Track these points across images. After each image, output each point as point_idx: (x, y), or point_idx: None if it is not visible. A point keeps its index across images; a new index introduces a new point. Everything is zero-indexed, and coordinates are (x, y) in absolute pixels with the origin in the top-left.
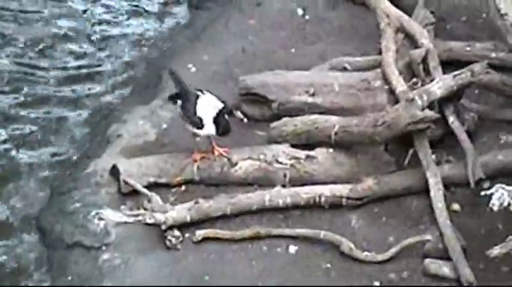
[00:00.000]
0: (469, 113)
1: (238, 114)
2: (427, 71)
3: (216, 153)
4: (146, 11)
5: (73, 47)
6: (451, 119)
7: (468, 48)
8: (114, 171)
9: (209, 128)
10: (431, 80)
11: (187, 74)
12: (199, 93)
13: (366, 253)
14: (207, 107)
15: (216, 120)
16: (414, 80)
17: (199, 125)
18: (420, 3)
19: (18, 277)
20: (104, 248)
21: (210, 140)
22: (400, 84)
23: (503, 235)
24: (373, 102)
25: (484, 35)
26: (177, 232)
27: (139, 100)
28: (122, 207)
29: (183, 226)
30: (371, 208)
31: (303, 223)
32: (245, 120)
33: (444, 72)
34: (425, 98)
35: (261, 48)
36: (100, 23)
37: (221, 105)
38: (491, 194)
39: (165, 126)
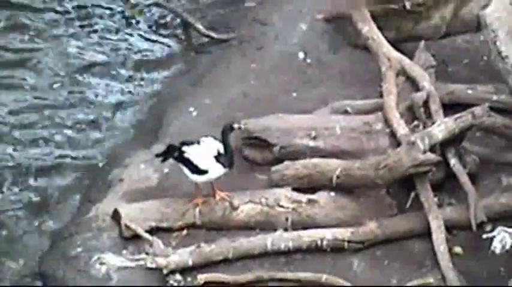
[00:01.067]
0: (471, 156)
1: (236, 125)
2: (428, 114)
3: (218, 197)
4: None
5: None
6: (453, 161)
7: (469, 91)
8: (116, 215)
9: (214, 171)
10: (433, 123)
11: (189, 117)
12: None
13: None
14: (208, 151)
15: (219, 159)
16: (416, 123)
17: (202, 170)
18: (421, 47)
19: None
20: None
21: (211, 184)
22: (401, 128)
23: (505, 278)
24: (375, 145)
25: (485, 77)
26: (178, 276)
27: (141, 144)
28: (124, 251)
29: (184, 270)
30: (373, 251)
31: (305, 267)
32: (242, 127)
33: (446, 115)
34: (426, 141)
35: (262, 92)
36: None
37: (219, 144)
38: (493, 237)
39: (166, 170)
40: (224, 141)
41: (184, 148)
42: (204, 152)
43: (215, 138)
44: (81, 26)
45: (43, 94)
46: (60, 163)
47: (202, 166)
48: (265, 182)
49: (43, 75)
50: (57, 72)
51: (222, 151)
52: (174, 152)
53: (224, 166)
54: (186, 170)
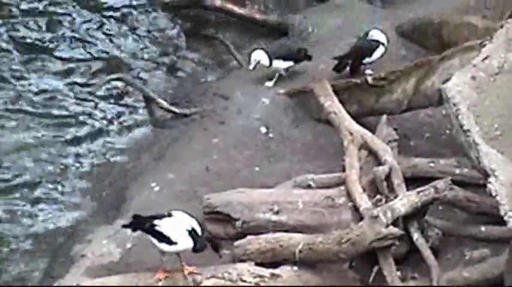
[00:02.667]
0: (434, 230)
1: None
2: (391, 188)
3: (186, 271)
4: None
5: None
6: (416, 235)
7: (432, 165)
8: None
9: (184, 243)
10: (395, 197)
11: (151, 192)
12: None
13: None
14: (180, 224)
15: (192, 235)
16: (378, 197)
17: (173, 241)
18: (383, 121)
19: None
20: None
21: (179, 257)
22: (364, 202)
23: None
24: (338, 219)
25: (447, 151)
26: None
27: (104, 219)
28: None
29: None
30: None
31: None
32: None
33: (408, 189)
34: (389, 215)
35: (225, 167)
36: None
37: (194, 222)
38: None
39: (129, 245)
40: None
41: (156, 222)
42: (177, 224)
43: (186, 212)
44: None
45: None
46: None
47: (173, 238)
48: (228, 257)
49: None
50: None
51: (196, 228)
52: (143, 224)
53: (195, 244)
54: (154, 241)
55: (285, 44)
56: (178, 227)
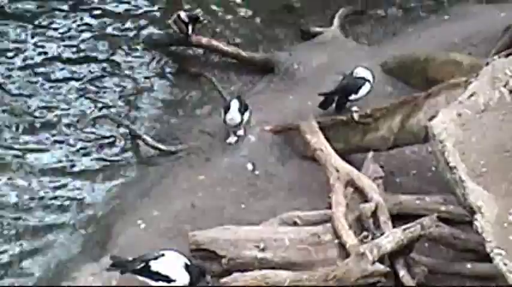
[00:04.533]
0: (420, 267)
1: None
2: (377, 225)
3: None
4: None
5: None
6: (402, 272)
7: (418, 202)
8: None
9: (182, 279)
10: (382, 234)
11: (137, 230)
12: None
13: None
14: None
15: (188, 270)
16: (364, 233)
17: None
18: (369, 158)
19: None
20: None
21: None
22: (350, 239)
23: None
24: (324, 256)
25: (433, 188)
26: None
27: (89, 257)
28: None
29: None
30: None
31: None
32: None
33: (394, 226)
34: (375, 252)
35: (210, 204)
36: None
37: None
38: None
39: (114, 283)
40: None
41: (151, 263)
42: (172, 262)
43: (176, 251)
44: None
45: None
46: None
47: (172, 275)
48: None
49: None
50: None
51: (189, 263)
52: (129, 266)
53: (191, 278)
54: (150, 281)
55: None
56: (173, 264)
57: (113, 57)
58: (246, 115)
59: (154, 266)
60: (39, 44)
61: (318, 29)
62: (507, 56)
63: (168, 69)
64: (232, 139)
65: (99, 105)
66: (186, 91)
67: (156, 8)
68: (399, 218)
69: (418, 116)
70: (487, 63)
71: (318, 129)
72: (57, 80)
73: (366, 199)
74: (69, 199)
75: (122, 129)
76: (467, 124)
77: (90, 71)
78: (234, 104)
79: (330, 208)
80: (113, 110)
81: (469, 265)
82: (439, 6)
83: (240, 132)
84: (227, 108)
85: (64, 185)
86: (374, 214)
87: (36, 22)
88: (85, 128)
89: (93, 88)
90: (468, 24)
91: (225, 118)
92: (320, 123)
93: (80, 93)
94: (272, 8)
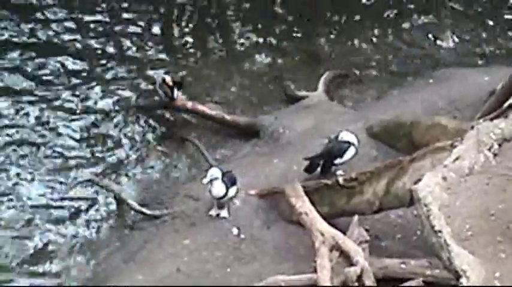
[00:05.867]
0: None
1: None
2: None
3: None
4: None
5: None
6: None
7: (403, 266)
8: None
9: None
10: None
11: None
12: None
13: None
14: None
15: None
16: None
17: None
18: (354, 221)
19: None
20: None
21: None
22: None
23: None
24: None
25: (419, 252)
26: None
27: None
28: None
29: None
30: None
31: None
32: None
33: None
34: None
35: (195, 268)
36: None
37: None
38: None
39: None
40: None
41: None
42: None
43: None
44: None
45: None
46: None
47: None
48: None
49: None
50: None
51: None
52: None
53: None
54: None
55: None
56: None
57: (98, 121)
58: (233, 190)
59: None
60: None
61: (303, 93)
62: (492, 119)
63: (153, 134)
64: (214, 212)
65: (85, 169)
66: (171, 155)
67: (139, 73)
68: (385, 282)
69: (403, 180)
70: (472, 127)
71: (303, 193)
72: (43, 144)
73: (351, 263)
74: (53, 262)
75: (107, 194)
76: (452, 188)
77: (73, 135)
78: (218, 175)
79: (315, 272)
80: (97, 174)
81: None
82: (424, 70)
83: (224, 213)
84: (212, 180)
85: (48, 248)
86: (359, 278)
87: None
88: (70, 191)
89: (77, 148)
90: (453, 87)
91: (210, 189)
92: (305, 187)
93: (63, 158)
94: (257, 72)
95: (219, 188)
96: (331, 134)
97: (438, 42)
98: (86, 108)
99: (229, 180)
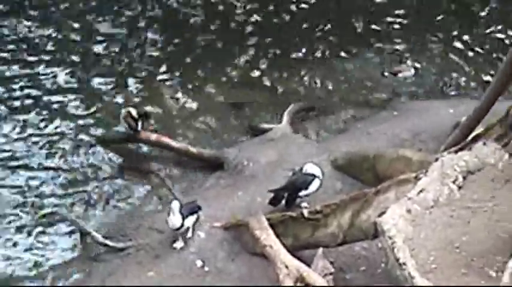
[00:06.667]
0: None
1: None
2: None
3: None
4: None
5: None
6: None
7: None
8: None
9: None
10: None
11: None
12: None
13: None
14: None
15: None
16: None
17: None
18: (319, 254)
19: None
20: None
21: None
22: None
23: None
24: None
25: (383, 284)
26: None
27: None
28: None
29: None
30: None
31: None
32: None
33: None
34: None
35: None
36: None
37: None
38: None
39: None
40: None
41: None
42: None
43: None
44: None
45: None
46: None
47: None
48: None
49: None
50: None
51: None
52: None
53: None
54: None
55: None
56: None
57: (63, 155)
58: (191, 219)
59: None
60: None
61: (267, 126)
62: (456, 152)
63: (117, 166)
64: (178, 245)
65: (49, 202)
66: (135, 188)
67: (103, 105)
68: None
69: (368, 213)
70: (437, 160)
71: (267, 225)
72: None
73: None
74: None
75: (71, 225)
76: (417, 220)
77: (38, 167)
78: (175, 207)
79: None
80: (62, 207)
81: None
82: (388, 102)
83: (178, 244)
84: (168, 212)
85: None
86: None
87: None
88: (35, 222)
89: (42, 181)
90: (417, 120)
91: (166, 221)
92: (269, 220)
93: (29, 191)
94: (221, 104)
95: (175, 220)
96: (296, 167)
97: (400, 74)
98: (50, 141)
99: (187, 210)
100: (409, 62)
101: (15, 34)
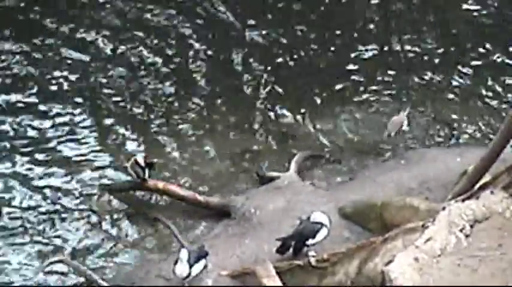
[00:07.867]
0: None
1: None
2: None
3: None
4: None
5: None
6: None
7: None
8: None
9: None
10: None
11: None
12: None
13: None
14: None
15: None
16: None
17: None
18: None
19: None
20: None
21: None
22: None
23: None
24: None
25: None
26: None
27: None
28: None
29: None
30: None
31: None
32: None
33: None
34: None
35: None
36: None
37: None
38: None
39: None
40: None
41: None
42: None
43: None
44: None
45: None
46: None
47: None
48: None
49: None
50: None
51: None
52: None
53: None
54: None
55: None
56: None
57: (69, 202)
58: (198, 267)
59: None
60: None
61: (274, 174)
62: (463, 201)
63: (125, 214)
64: None
65: (55, 248)
66: (143, 236)
67: (110, 152)
68: None
69: (375, 261)
70: (444, 208)
71: (274, 273)
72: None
73: None
74: None
75: (78, 274)
76: (424, 269)
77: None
78: (183, 256)
79: None
80: (68, 254)
81: None
82: (396, 151)
83: None
84: (176, 260)
85: None
86: None
87: None
88: (41, 272)
89: (50, 232)
90: (425, 168)
91: (174, 269)
92: (277, 268)
93: (35, 239)
94: (229, 152)
95: (181, 269)
96: (303, 215)
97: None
98: (55, 189)
99: (194, 257)
100: (408, 109)
101: None
